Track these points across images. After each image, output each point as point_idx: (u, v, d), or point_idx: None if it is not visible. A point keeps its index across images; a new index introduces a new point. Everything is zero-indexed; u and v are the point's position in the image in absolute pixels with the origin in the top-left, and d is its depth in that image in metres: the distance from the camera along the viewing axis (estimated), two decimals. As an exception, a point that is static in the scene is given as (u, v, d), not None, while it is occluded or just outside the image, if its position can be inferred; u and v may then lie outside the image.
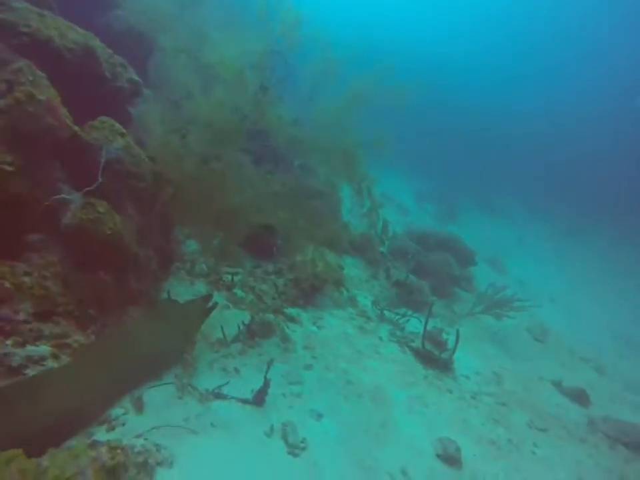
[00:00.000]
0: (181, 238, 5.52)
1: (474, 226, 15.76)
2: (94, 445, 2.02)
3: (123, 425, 2.60)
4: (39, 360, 2.54)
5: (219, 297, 4.64)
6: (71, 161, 3.48)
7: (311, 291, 5.25)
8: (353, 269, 7.05)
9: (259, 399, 3.32)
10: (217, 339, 3.94)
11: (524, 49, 43.22)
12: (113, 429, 2.55)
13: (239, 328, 4.14)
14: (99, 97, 4.19)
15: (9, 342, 2.48)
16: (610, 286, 13.12)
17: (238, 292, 4.99)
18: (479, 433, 4.10)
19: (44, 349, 2.64)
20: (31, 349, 2.55)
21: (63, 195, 3.27)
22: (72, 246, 3.31)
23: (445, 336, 5.77)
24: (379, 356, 5.00)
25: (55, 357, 2.69)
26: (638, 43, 35.19)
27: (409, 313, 6.21)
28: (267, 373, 3.36)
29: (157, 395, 3.02)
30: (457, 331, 5.32)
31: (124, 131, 3.90)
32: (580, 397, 5.50)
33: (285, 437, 3.09)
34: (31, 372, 2.43)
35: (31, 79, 2.88)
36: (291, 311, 5.05)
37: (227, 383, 3.35)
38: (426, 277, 7.69)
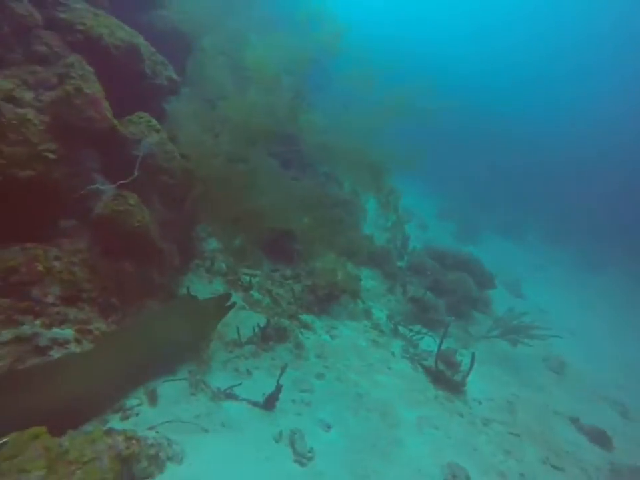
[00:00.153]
0: (203, 235, 5.60)
1: (493, 248, 15.45)
2: (110, 432, 2.04)
3: (137, 415, 2.63)
4: (64, 343, 2.60)
5: (235, 298, 4.66)
6: (107, 152, 3.59)
7: (326, 300, 5.23)
8: (369, 280, 7.00)
9: (269, 403, 3.31)
10: (232, 339, 3.96)
11: (560, 75, 42.97)
12: (127, 418, 2.58)
13: (254, 330, 4.15)
14: (137, 92, 4.32)
15: (37, 322, 2.56)
16: (632, 322, 12.60)
17: (255, 294, 5.01)
18: (488, 462, 3.96)
19: (68, 332, 2.71)
20: (56, 331, 2.62)
21: (97, 185, 3.37)
22: (100, 235, 3.40)
23: (458, 357, 5.63)
24: (390, 371, 4.92)
25: (78, 341, 2.75)
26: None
27: (424, 330, 6.10)
28: (279, 377, 3.35)
29: (170, 389, 3.04)
30: (473, 354, 5.19)
31: (159, 127, 4.01)
32: (601, 439, 5.15)
33: (292, 444, 3.06)
34: (55, 353, 2.49)
35: (80, 73, 3.01)
36: (305, 317, 5.04)
37: (240, 384, 3.35)
38: (442, 296, 7.56)
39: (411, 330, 6.00)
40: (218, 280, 5.02)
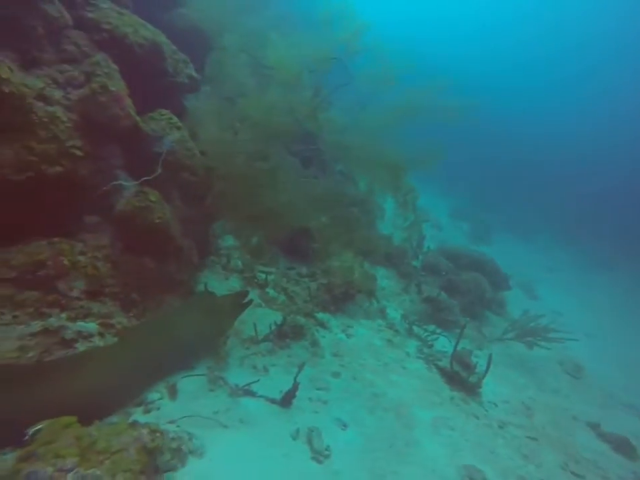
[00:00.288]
0: (219, 232, 5.64)
1: (506, 249, 15.22)
2: (134, 425, 2.07)
3: (158, 409, 2.67)
4: (88, 336, 2.65)
5: (251, 295, 4.69)
6: (129, 149, 3.64)
7: (342, 298, 5.22)
8: (385, 280, 6.97)
9: (286, 400, 3.32)
10: (249, 336, 3.99)
11: (575, 74, 42.08)
12: (149, 411, 2.63)
13: (271, 328, 4.17)
14: (159, 89, 4.37)
15: (63, 315, 2.61)
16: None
17: (270, 291, 5.04)
18: (506, 466, 3.91)
19: (92, 326, 2.76)
20: (81, 325, 2.68)
21: (120, 182, 3.42)
22: (122, 231, 3.45)
23: (474, 359, 5.57)
24: (405, 371, 4.89)
25: (101, 335, 2.80)
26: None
27: (438, 330, 6.05)
28: (297, 375, 3.36)
29: (189, 384, 3.08)
30: (489, 356, 5.13)
31: (180, 124, 4.05)
32: (623, 447, 4.97)
33: (309, 442, 3.07)
34: (80, 346, 2.54)
35: (106, 71, 3.05)
36: (321, 315, 5.05)
37: (257, 380, 3.37)
38: (457, 296, 7.49)
39: (425, 330, 5.95)
40: (234, 277, 5.05)
